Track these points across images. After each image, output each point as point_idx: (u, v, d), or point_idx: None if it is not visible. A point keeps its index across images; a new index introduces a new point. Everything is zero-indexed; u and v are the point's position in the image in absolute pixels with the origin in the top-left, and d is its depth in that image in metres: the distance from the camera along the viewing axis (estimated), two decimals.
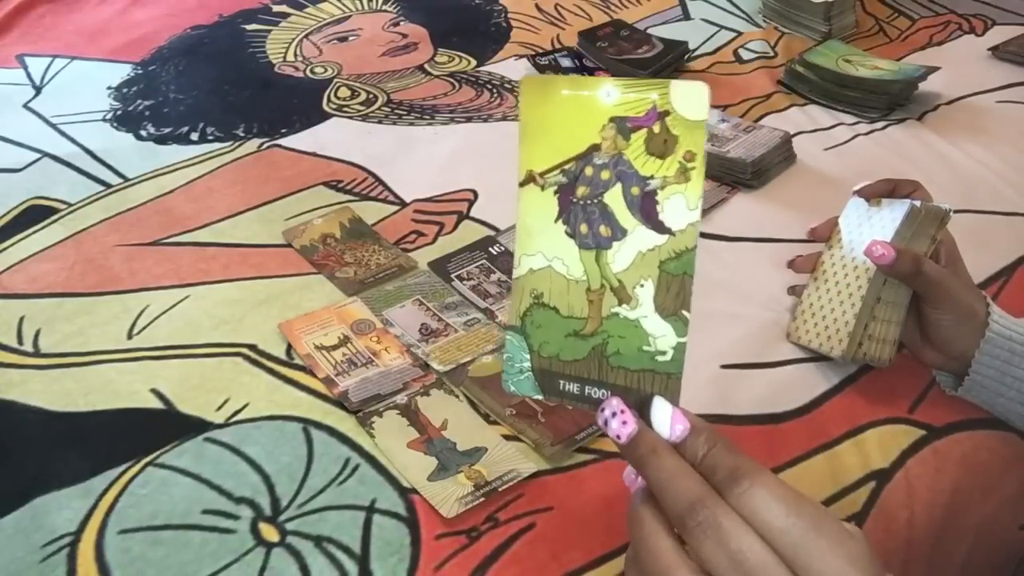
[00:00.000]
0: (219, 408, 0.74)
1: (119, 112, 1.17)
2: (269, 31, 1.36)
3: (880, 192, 0.74)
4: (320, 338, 0.80)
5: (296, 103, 1.18)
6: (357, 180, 1.02)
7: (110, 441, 0.72)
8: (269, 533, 0.64)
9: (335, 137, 1.10)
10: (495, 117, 1.13)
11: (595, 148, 0.45)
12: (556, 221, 0.47)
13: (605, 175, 0.44)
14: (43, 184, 1.03)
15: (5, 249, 0.93)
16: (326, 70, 1.25)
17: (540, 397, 0.45)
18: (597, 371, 0.43)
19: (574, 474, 0.68)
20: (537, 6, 1.41)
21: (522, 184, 0.48)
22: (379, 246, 0.92)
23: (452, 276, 0.87)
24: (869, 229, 0.72)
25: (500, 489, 0.66)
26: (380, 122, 1.13)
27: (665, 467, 0.41)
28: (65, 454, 0.71)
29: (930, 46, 1.25)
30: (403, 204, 0.98)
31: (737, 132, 1.03)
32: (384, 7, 1.43)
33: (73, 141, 1.11)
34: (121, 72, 1.27)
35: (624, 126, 0.43)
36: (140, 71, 1.27)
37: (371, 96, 1.19)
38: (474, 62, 1.26)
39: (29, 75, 1.27)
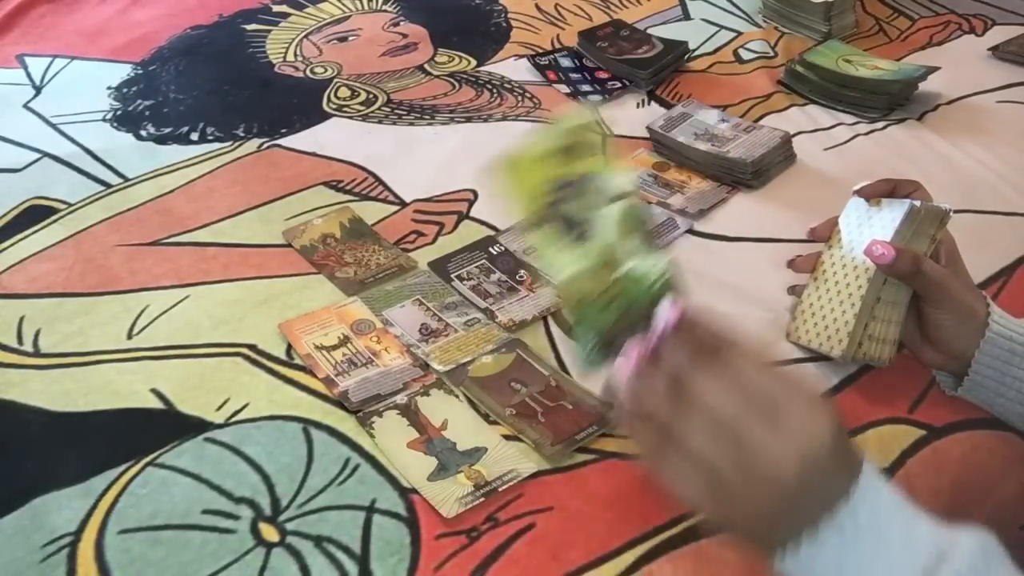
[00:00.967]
0: (219, 408, 0.74)
1: (119, 112, 1.17)
2: (269, 31, 1.36)
3: (880, 192, 0.74)
4: (320, 338, 0.80)
5: (296, 103, 1.18)
6: (357, 180, 1.02)
7: (110, 441, 0.72)
8: (269, 533, 0.64)
9: (335, 137, 1.10)
10: (495, 117, 1.13)
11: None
12: (563, 240, 0.56)
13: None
14: (43, 184, 1.03)
15: (5, 249, 0.93)
16: (326, 70, 1.25)
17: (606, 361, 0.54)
18: (627, 319, 0.52)
19: (574, 474, 0.68)
20: (537, 6, 1.41)
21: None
22: (379, 246, 0.92)
23: (452, 276, 0.87)
24: (869, 229, 0.72)
25: (500, 489, 0.66)
26: (380, 122, 1.13)
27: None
28: (65, 454, 0.71)
29: (930, 46, 1.25)
30: (403, 204, 0.98)
31: (737, 132, 1.03)
32: (384, 7, 1.43)
33: (73, 141, 1.11)
34: (121, 72, 1.26)
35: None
36: (140, 71, 1.27)
37: (371, 96, 1.19)
38: (474, 62, 1.26)
39: (29, 75, 1.27)
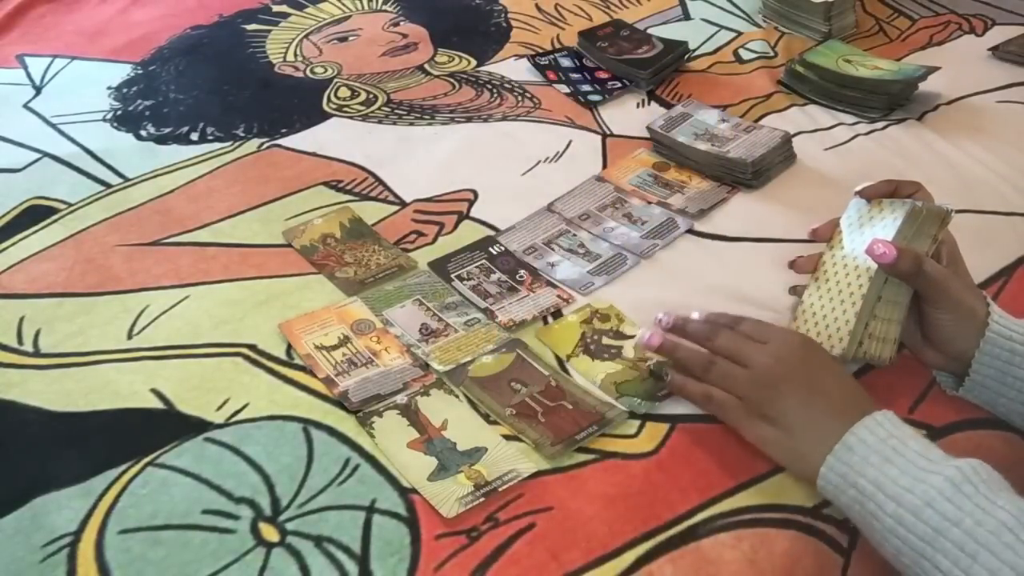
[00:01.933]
0: (219, 408, 0.74)
1: (119, 112, 1.17)
2: (269, 31, 1.36)
3: (882, 192, 0.74)
4: (320, 338, 0.80)
5: (296, 103, 1.18)
6: (357, 180, 1.02)
7: (110, 441, 0.72)
8: (269, 533, 0.64)
9: (335, 137, 1.10)
10: (495, 117, 1.13)
11: None
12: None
13: None
14: (43, 184, 1.03)
15: (5, 249, 0.93)
16: (326, 70, 1.25)
17: None
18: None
19: (574, 474, 0.68)
20: (537, 6, 1.41)
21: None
22: (379, 246, 0.92)
23: (452, 276, 0.87)
24: (870, 229, 0.72)
25: (500, 489, 0.66)
26: (380, 122, 1.13)
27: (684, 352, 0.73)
28: (65, 454, 0.71)
29: (930, 46, 1.25)
30: (403, 204, 0.98)
31: (737, 132, 1.03)
32: (384, 7, 1.43)
33: (73, 141, 1.11)
34: (121, 72, 1.26)
35: None
36: (140, 71, 1.27)
37: (371, 96, 1.19)
38: (474, 62, 1.26)
39: (29, 75, 1.27)
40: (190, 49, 1.32)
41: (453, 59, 1.27)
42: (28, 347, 0.81)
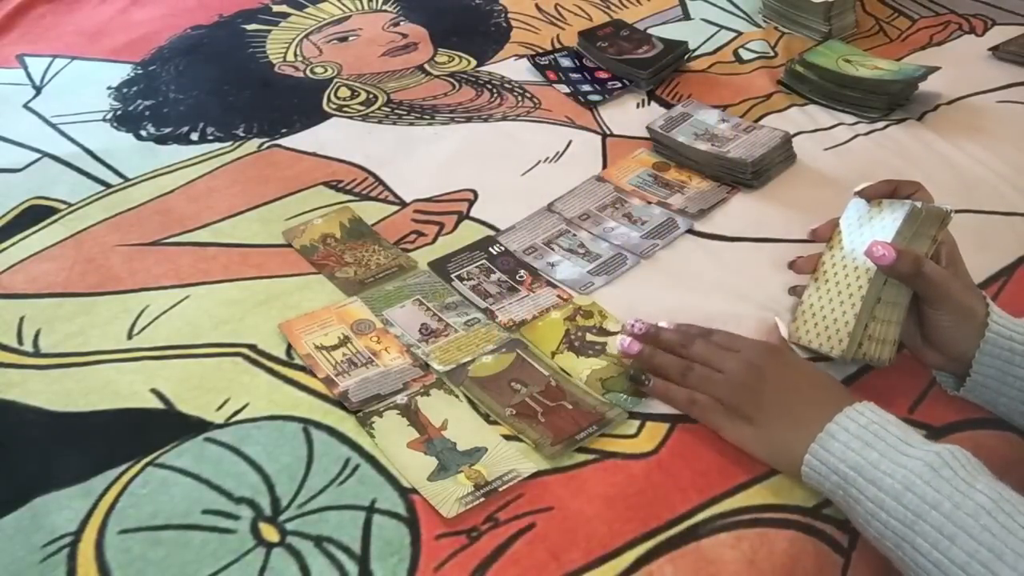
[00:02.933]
0: (219, 408, 0.74)
1: (119, 112, 1.17)
2: (269, 31, 1.36)
3: (881, 193, 0.74)
4: (320, 338, 0.80)
5: (296, 103, 1.18)
6: (357, 180, 1.02)
7: (110, 441, 0.72)
8: (269, 533, 0.64)
9: (335, 137, 1.10)
10: (495, 117, 1.13)
11: None
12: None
13: None
14: (43, 184, 1.03)
15: (5, 249, 0.93)
16: (326, 70, 1.25)
17: None
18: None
19: (574, 474, 0.68)
20: (537, 6, 1.41)
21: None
22: (379, 246, 0.92)
23: (452, 276, 0.87)
24: (870, 229, 0.72)
25: (500, 489, 0.66)
26: (380, 122, 1.13)
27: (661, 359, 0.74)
28: (65, 454, 0.71)
29: (930, 46, 1.25)
30: (403, 204, 0.98)
31: (737, 132, 1.03)
32: (384, 7, 1.43)
33: (73, 141, 1.11)
34: (121, 72, 1.26)
35: None
36: (140, 71, 1.27)
37: (371, 96, 1.19)
38: (474, 62, 1.26)
39: (29, 75, 1.27)
40: (190, 49, 1.32)
41: (453, 59, 1.27)
42: (28, 347, 0.81)
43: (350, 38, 1.34)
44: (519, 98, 1.17)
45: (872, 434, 0.61)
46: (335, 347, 0.79)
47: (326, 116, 1.15)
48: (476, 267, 0.88)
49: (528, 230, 0.93)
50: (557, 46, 1.29)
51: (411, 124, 1.13)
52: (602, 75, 1.20)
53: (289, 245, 0.92)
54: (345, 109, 1.16)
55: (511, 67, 1.24)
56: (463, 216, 0.96)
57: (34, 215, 0.98)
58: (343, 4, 1.43)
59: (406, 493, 0.67)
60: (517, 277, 0.87)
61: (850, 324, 0.71)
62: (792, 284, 0.79)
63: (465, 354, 0.78)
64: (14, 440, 0.73)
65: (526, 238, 0.92)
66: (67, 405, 0.75)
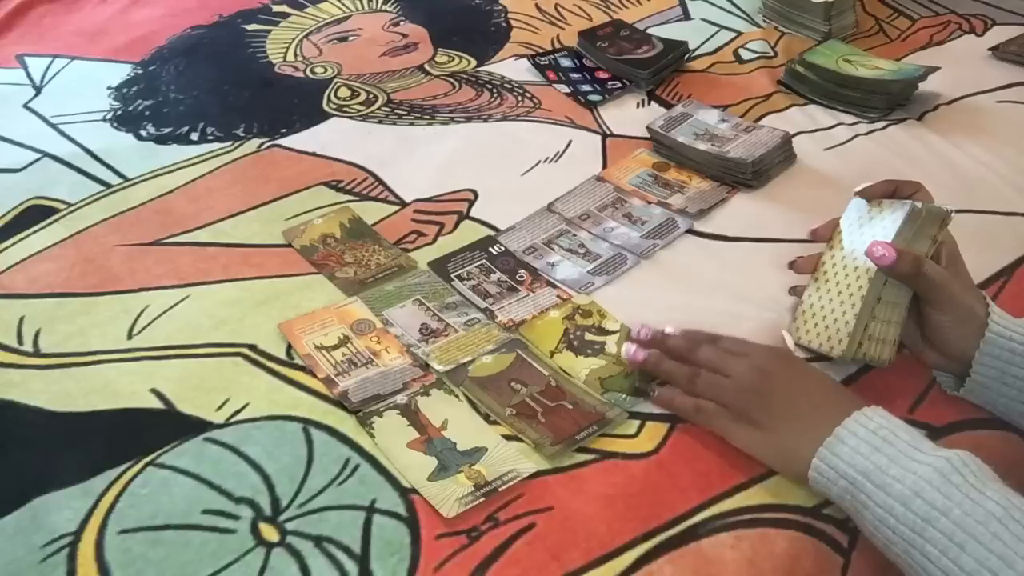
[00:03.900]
0: (219, 408, 0.74)
1: (119, 112, 1.17)
2: (269, 31, 1.36)
3: (882, 193, 0.74)
4: (320, 338, 0.80)
5: (296, 103, 1.18)
6: (357, 180, 1.02)
7: (110, 441, 0.72)
8: (269, 533, 0.64)
9: (335, 137, 1.10)
10: (495, 117, 1.13)
11: None
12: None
13: None
14: (43, 184, 1.03)
15: (5, 249, 0.93)
16: (326, 70, 1.25)
17: None
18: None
19: (574, 474, 0.68)
20: (537, 6, 1.41)
21: None
22: (379, 246, 0.92)
23: (452, 276, 0.87)
24: (870, 230, 0.72)
25: (500, 489, 0.66)
26: (380, 122, 1.13)
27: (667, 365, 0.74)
28: (65, 454, 0.71)
29: (930, 46, 1.25)
30: (403, 204, 0.98)
31: (737, 132, 1.03)
32: (384, 7, 1.43)
33: (73, 141, 1.11)
34: (121, 72, 1.26)
35: None
36: (140, 71, 1.27)
37: (371, 96, 1.19)
38: (474, 62, 1.26)
39: (29, 75, 1.27)
40: (190, 49, 1.32)
41: (453, 59, 1.27)
42: (28, 347, 0.81)
43: (350, 38, 1.34)
44: (519, 98, 1.17)
45: (881, 439, 0.60)
46: (335, 347, 0.79)
47: (326, 116, 1.15)
48: (476, 267, 0.88)
49: (528, 230, 0.93)
50: (557, 46, 1.29)
51: (411, 124, 1.13)
52: (602, 75, 1.20)
53: (289, 245, 0.92)
54: (345, 109, 1.16)
55: (511, 67, 1.24)
56: (463, 216, 0.96)
57: (34, 215, 0.98)
58: (343, 4, 1.43)
59: (406, 493, 0.67)
60: (517, 277, 0.87)
61: (850, 324, 0.71)
62: (792, 284, 0.79)
63: (465, 354, 0.78)
64: (14, 440, 0.73)
65: (526, 238, 0.92)
66: (67, 405, 0.75)
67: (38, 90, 1.23)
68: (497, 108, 1.15)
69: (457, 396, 0.75)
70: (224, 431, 0.72)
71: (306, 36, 1.35)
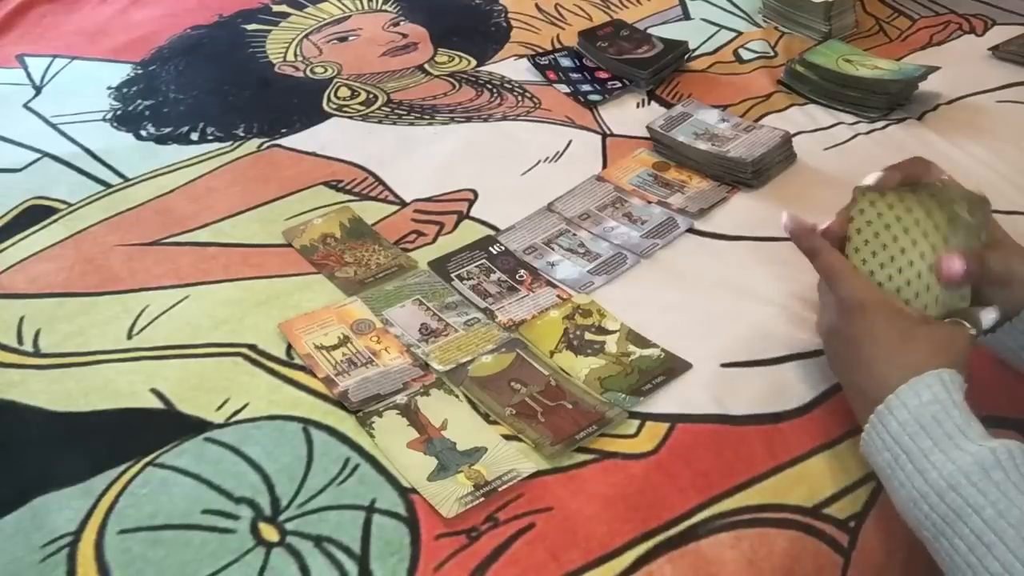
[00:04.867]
0: (219, 408, 0.74)
1: (119, 112, 1.17)
2: (269, 31, 1.36)
3: (893, 182, 0.72)
4: (320, 338, 0.80)
5: (296, 103, 1.18)
6: (357, 180, 1.02)
7: (110, 441, 0.72)
8: (269, 533, 0.64)
9: (335, 137, 1.10)
10: (495, 117, 1.13)
11: None
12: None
13: None
14: (43, 184, 1.03)
15: (5, 249, 0.93)
16: (326, 70, 1.25)
17: None
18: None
19: (574, 474, 0.68)
20: (537, 6, 1.41)
21: None
22: (379, 246, 0.92)
23: (452, 276, 0.87)
24: (914, 234, 0.71)
25: (500, 489, 0.66)
26: (380, 122, 1.13)
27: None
28: (65, 454, 0.71)
29: (930, 46, 1.25)
30: (403, 204, 0.98)
31: (737, 132, 1.03)
32: (384, 7, 1.43)
33: (73, 141, 1.11)
34: (121, 72, 1.26)
35: None
36: (140, 71, 1.27)
37: (371, 96, 1.19)
38: (474, 62, 1.26)
39: (29, 75, 1.27)
40: (190, 49, 1.32)
41: (453, 59, 1.27)
42: (28, 347, 0.81)
43: (350, 38, 1.34)
44: (519, 98, 1.17)
45: (931, 416, 0.59)
46: (335, 347, 0.79)
47: (326, 116, 1.15)
48: (476, 267, 0.88)
49: (528, 230, 0.93)
50: (557, 46, 1.29)
51: (411, 124, 1.13)
52: (602, 75, 1.20)
53: (289, 245, 0.92)
54: (345, 109, 1.16)
55: (511, 67, 1.24)
56: (463, 216, 0.96)
57: (34, 215, 0.98)
58: (343, 4, 1.44)
59: (406, 493, 0.67)
60: (517, 277, 0.87)
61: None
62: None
63: (465, 354, 0.78)
64: (14, 440, 0.73)
65: (526, 238, 0.92)
66: (67, 405, 0.75)
67: (38, 90, 1.23)
68: (497, 108, 1.15)
69: (457, 396, 0.75)
70: (224, 431, 0.72)
71: (306, 36, 1.35)
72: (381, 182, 1.02)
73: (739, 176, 0.98)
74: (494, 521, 0.65)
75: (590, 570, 0.62)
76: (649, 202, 0.96)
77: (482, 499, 0.65)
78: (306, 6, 1.43)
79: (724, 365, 0.76)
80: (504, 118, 1.13)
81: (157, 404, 0.75)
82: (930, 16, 1.32)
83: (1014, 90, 1.13)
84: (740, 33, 1.30)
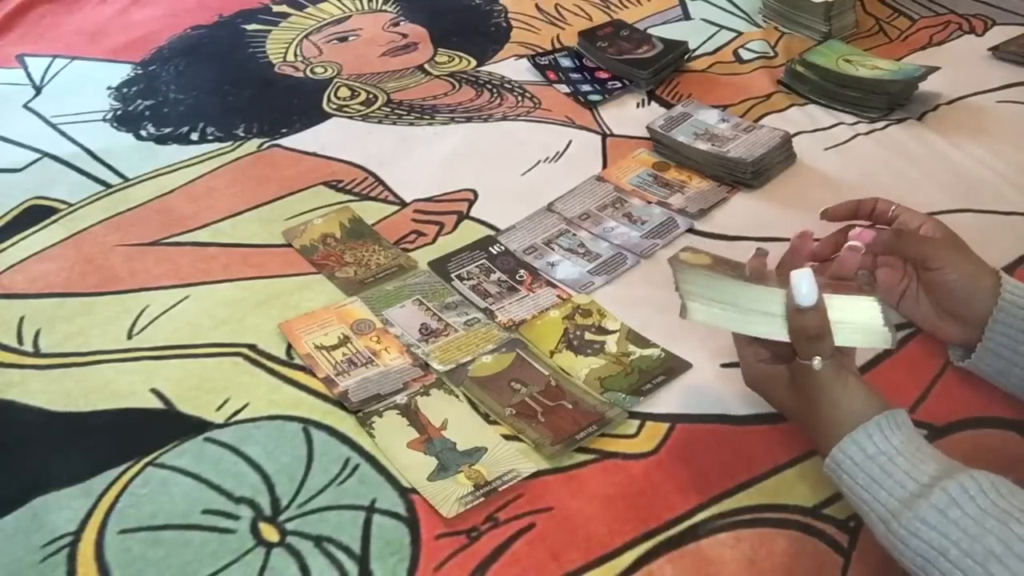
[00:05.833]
0: (219, 408, 0.74)
1: (119, 112, 1.17)
2: (269, 31, 1.36)
3: (845, 215, 0.75)
4: (320, 338, 0.80)
5: (296, 103, 1.18)
6: (357, 180, 1.02)
7: (110, 441, 0.72)
8: (269, 533, 0.64)
9: (335, 137, 1.10)
10: (495, 117, 1.13)
11: None
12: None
13: None
14: (43, 184, 1.03)
15: (5, 249, 0.93)
16: (326, 70, 1.25)
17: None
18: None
19: (574, 474, 0.68)
20: (537, 6, 1.41)
21: None
22: (379, 246, 0.92)
23: (452, 276, 0.87)
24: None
25: (500, 489, 0.66)
26: (380, 122, 1.13)
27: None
28: (65, 454, 0.71)
29: (930, 46, 1.25)
30: (403, 204, 0.98)
31: (737, 132, 1.03)
32: (384, 7, 1.43)
33: (73, 141, 1.11)
34: (121, 72, 1.27)
35: None
36: (140, 71, 1.27)
37: (371, 96, 1.19)
38: (474, 62, 1.26)
39: (29, 75, 1.27)
40: (190, 49, 1.32)
41: (453, 59, 1.27)
42: (28, 347, 0.81)
43: (350, 38, 1.34)
44: (519, 98, 1.17)
45: (879, 468, 0.58)
46: (335, 347, 0.79)
47: (326, 116, 1.15)
48: (476, 267, 0.88)
49: (528, 230, 0.93)
50: (557, 46, 1.29)
51: (411, 124, 1.13)
52: (602, 75, 1.20)
53: (289, 245, 0.92)
54: (345, 109, 1.16)
55: (511, 67, 1.24)
56: (463, 216, 0.96)
57: (34, 215, 0.98)
58: (343, 4, 1.44)
59: (406, 493, 0.67)
60: (517, 277, 0.87)
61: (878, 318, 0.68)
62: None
63: (465, 354, 0.78)
64: (14, 440, 0.73)
65: (526, 238, 0.92)
66: (67, 405, 0.75)
67: (38, 90, 1.23)
68: (497, 108, 1.15)
69: (457, 396, 0.75)
70: (224, 431, 0.72)
71: (306, 36, 1.35)
72: (381, 182, 1.02)
73: (739, 176, 0.98)
74: (494, 521, 0.65)
75: (590, 570, 0.62)
76: (649, 202, 0.96)
77: (482, 499, 0.65)
78: (306, 6, 1.43)
79: (724, 365, 0.76)
80: (504, 118, 1.13)
81: (157, 404, 0.75)
82: (930, 16, 1.32)
83: (1014, 90, 1.13)
84: (740, 33, 1.30)
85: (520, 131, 1.10)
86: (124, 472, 0.69)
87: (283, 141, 1.10)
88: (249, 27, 1.38)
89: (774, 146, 0.99)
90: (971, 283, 0.68)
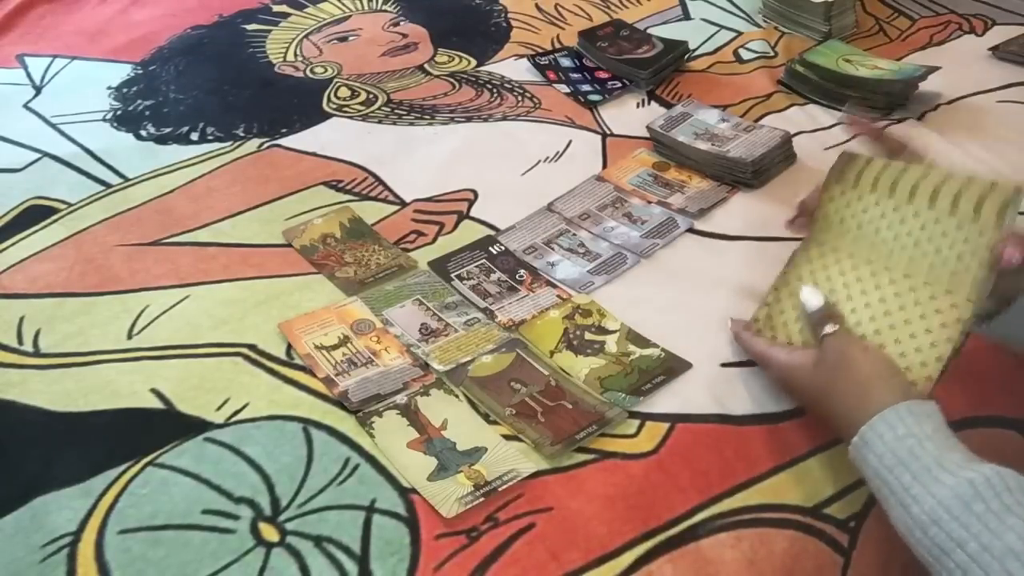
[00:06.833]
0: (219, 408, 0.74)
1: (119, 112, 1.17)
2: (269, 31, 1.36)
3: (871, 132, 0.76)
4: (320, 338, 0.80)
5: (296, 103, 1.18)
6: (357, 180, 1.02)
7: (110, 441, 0.72)
8: (269, 533, 0.64)
9: (335, 137, 1.10)
10: (495, 117, 1.13)
11: None
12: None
13: None
14: (43, 184, 1.03)
15: (5, 249, 0.93)
16: (326, 70, 1.25)
17: None
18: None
19: (574, 474, 0.68)
20: (537, 6, 1.41)
21: None
22: (379, 246, 0.92)
23: (452, 276, 0.87)
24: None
25: (500, 489, 0.66)
26: (380, 122, 1.13)
27: None
28: (65, 454, 0.71)
29: (930, 46, 1.25)
30: (403, 204, 0.98)
31: (737, 132, 1.03)
32: (384, 7, 1.43)
33: (73, 141, 1.11)
34: (121, 72, 1.27)
35: None
36: (140, 71, 1.27)
37: (371, 96, 1.19)
38: (474, 62, 1.26)
39: (29, 75, 1.27)
40: (190, 49, 1.32)
41: (453, 59, 1.27)
42: (28, 347, 0.81)
43: (350, 38, 1.34)
44: (519, 98, 1.17)
45: (907, 450, 0.59)
46: (335, 347, 0.79)
47: (326, 116, 1.15)
48: (476, 267, 0.88)
49: (528, 230, 0.93)
50: (557, 46, 1.29)
51: (411, 124, 1.13)
52: (602, 75, 1.20)
53: (289, 245, 0.92)
54: (345, 109, 1.16)
55: (511, 67, 1.24)
56: (463, 216, 0.96)
57: (34, 215, 0.98)
58: (343, 4, 1.44)
59: (406, 493, 0.67)
60: (517, 277, 0.87)
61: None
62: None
63: (465, 354, 0.78)
64: (14, 440, 0.73)
65: (526, 238, 0.92)
66: (67, 405, 0.75)
67: (38, 90, 1.23)
68: (497, 108, 1.15)
69: (457, 396, 0.75)
70: (224, 431, 0.72)
71: (306, 36, 1.35)
72: (381, 182, 1.02)
73: (739, 176, 0.98)
74: (494, 521, 0.65)
75: (590, 570, 0.62)
76: (649, 202, 0.96)
77: (482, 499, 0.65)
78: (306, 6, 1.43)
79: (724, 365, 0.76)
80: (504, 118, 1.13)
81: (157, 404, 0.75)
82: (930, 16, 1.32)
83: (1014, 90, 1.13)
84: (740, 33, 1.30)
85: (520, 131, 1.10)
86: (124, 472, 0.69)
87: (283, 141, 1.10)
88: (249, 27, 1.38)
89: (774, 146, 0.99)
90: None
